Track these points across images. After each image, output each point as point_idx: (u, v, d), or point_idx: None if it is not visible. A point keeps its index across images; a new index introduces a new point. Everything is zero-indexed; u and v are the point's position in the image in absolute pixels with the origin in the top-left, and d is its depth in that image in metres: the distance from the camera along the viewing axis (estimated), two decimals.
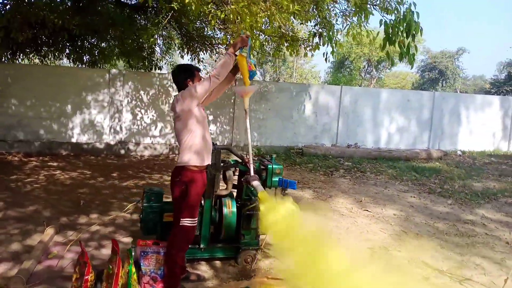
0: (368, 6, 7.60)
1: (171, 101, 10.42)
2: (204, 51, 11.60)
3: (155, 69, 12.25)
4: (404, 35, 6.91)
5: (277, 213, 3.34)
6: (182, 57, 12.12)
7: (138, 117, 10.36)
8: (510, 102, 13.52)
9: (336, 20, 8.44)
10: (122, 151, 10.29)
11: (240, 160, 4.25)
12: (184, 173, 3.45)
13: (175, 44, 12.56)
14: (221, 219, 4.21)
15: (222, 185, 4.27)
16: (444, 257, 4.64)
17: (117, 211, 5.76)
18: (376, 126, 12.25)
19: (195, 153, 3.47)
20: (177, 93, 3.62)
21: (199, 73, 3.66)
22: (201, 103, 3.55)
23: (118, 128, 10.25)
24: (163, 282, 3.62)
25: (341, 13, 8.17)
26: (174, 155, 10.61)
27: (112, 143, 10.23)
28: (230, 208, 4.19)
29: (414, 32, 6.77)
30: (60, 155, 9.78)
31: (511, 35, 65.17)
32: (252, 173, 3.93)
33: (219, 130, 10.96)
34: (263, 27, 7.40)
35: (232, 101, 10.94)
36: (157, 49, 12.57)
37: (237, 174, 4.43)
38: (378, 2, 7.56)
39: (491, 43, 61.15)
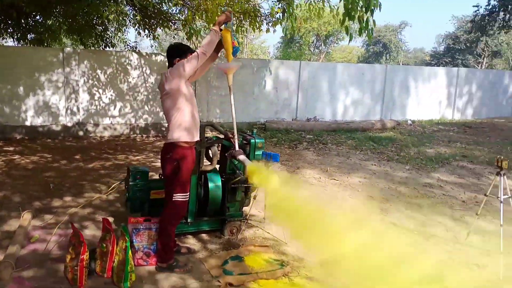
0: None
1: (129, 80, 10.21)
2: (162, 28, 11.31)
3: (109, 47, 11.81)
4: (363, 10, 7.21)
5: (270, 181, 3.51)
6: (139, 33, 11.74)
7: (96, 97, 10.03)
8: (454, 72, 14.45)
9: None
10: (81, 133, 9.97)
11: (223, 136, 4.36)
12: (175, 150, 3.51)
13: (129, 20, 12.11)
14: (206, 194, 4.32)
15: (205, 161, 4.37)
16: (409, 217, 5.07)
17: (91, 192, 5.69)
18: (333, 99, 12.69)
19: (184, 130, 3.53)
20: (159, 73, 3.63)
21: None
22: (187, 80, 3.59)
23: (75, 109, 9.87)
24: (157, 257, 3.71)
25: None
26: (135, 135, 10.43)
27: (69, 124, 9.87)
28: (215, 183, 4.31)
29: (373, 8, 7.07)
30: (14, 139, 9.31)
31: (450, 8, 68.55)
32: (237, 147, 4.06)
33: None
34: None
35: None
36: (110, 26, 12.06)
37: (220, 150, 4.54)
38: None
39: (431, 16, 64.01)
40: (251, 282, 3.52)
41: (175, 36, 12.55)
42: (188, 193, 3.69)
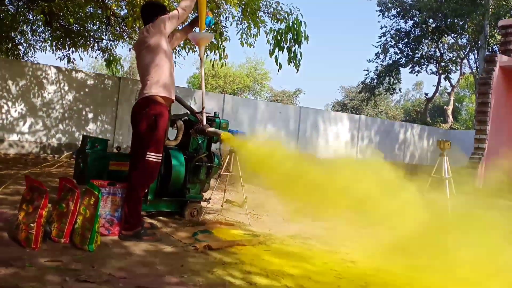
0: (261, 14, 8.41)
1: (44, 95, 9.42)
2: (82, 48, 10.84)
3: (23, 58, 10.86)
4: (292, 41, 7.86)
5: (247, 144, 3.51)
6: (53, 52, 11.04)
7: (3, 110, 8.97)
8: (355, 118, 16.03)
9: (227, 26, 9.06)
10: None
11: (188, 112, 4.25)
12: (152, 105, 3.34)
13: (43, 39, 11.40)
14: (168, 172, 4.08)
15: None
16: None
17: (15, 185, 4.96)
18: (253, 133, 13.07)
19: (163, 86, 3.40)
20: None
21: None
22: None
23: None
24: (121, 225, 3.35)
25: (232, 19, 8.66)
26: (45, 154, 9.43)
27: None
28: (179, 160, 4.11)
29: (301, 40, 7.76)
30: None
31: (339, 79, 77.30)
32: (204, 122, 4.00)
33: (100, 130, 10.21)
34: None
35: (115, 99, 10.37)
36: (23, 41, 11.19)
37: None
38: (269, 11, 8.42)
39: (323, 84, 71.26)
40: (229, 248, 3.34)
41: (95, 59, 12.09)
42: (161, 155, 3.46)
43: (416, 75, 26.51)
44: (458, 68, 24.07)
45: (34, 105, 9.36)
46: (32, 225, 2.82)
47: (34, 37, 11.09)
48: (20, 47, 11.08)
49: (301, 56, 7.84)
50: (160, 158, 3.44)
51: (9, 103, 9.06)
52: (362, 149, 15.88)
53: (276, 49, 7.59)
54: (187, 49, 9.07)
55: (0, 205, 3.95)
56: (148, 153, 3.33)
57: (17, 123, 9.17)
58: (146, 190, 3.93)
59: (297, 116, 14.15)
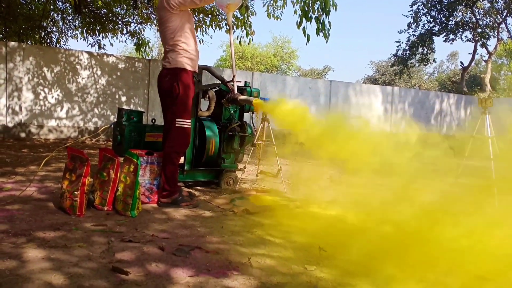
0: None
1: (79, 80, 9.66)
2: (107, 33, 11.03)
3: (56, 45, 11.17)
4: (320, 11, 7.63)
5: (280, 107, 3.47)
6: (84, 39, 11.29)
7: (41, 97, 9.28)
8: (388, 90, 15.61)
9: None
10: (23, 134, 9.08)
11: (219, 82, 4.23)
12: (180, 73, 3.33)
13: (74, 26, 11.65)
14: (202, 143, 4.11)
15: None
16: None
17: (57, 163, 5.15)
18: None
19: (189, 59, 3.39)
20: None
21: None
22: None
23: (17, 109, 9.02)
24: (159, 192, 3.41)
25: None
26: (83, 138, 9.73)
27: (10, 125, 8.96)
28: (213, 131, 4.12)
29: (329, 8, 7.52)
30: None
31: (369, 54, 75.14)
32: (236, 91, 3.98)
33: None
34: None
35: (146, 81, 10.52)
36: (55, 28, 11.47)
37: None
38: None
39: (352, 60, 69.60)
40: (267, 211, 3.34)
41: (125, 44, 12.27)
42: (190, 122, 3.48)
43: (451, 44, 25.41)
44: (496, 34, 22.88)
45: (69, 91, 9.63)
46: (76, 193, 2.91)
47: (65, 25, 11.35)
48: (52, 35, 11.37)
49: (330, 26, 7.60)
50: (189, 124, 3.45)
51: (46, 90, 9.36)
52: (396, 121, 15.50)
53: (304, 19, 7.40)
54: (213, 25, 9.04)
55: (44, 180, 4.11)
56: (177, 120, 3.35)
57: (54, 109, 9.47)
58: (183, 161, 4.00)
59: (328, 90, 13.93)
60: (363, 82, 49.37)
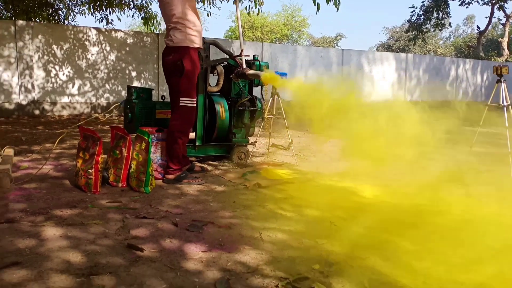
0: None
1: (88, 57, 9.65)
2: (118, 8, 10.90)
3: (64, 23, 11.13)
4: None
5: (290, 82, 3.43)
6: (92, 14, 11.19)
7: (52, 74, 9.33)
8: (402, 57, 15.27)
9: None
10: (37, 112, 9.20)
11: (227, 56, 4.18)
12: (184, 53, 3.30)
13: (81, 2, 11.53)
14: (212, 118, 4.11)
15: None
16: None
17: (71, 140, 5.23)
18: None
19: (193, 35, 3.34)
20: None
21: None
22: None
23: (29, 87, 9.10)
24: (167, 167, 3.44)
25: None
26: (96, 114, 9.82)
27: (23, 103, 9.06)
28: (222, 106, 4.11)
29: None
30: None
31: (383, 19, 73.16)
32: (244, 66, 3.93)
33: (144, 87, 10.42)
34: None
35: (155, 56, 10.47)
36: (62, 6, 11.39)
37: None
38: None
39: (365, 27, 67.93)
40: (279, 185, 3.36)
41: (133, 18, 12.14)
42: (195, 99, 3.47)
43: (467, 7, 24.42)
44: None
45: (80, 67, 9.64)
46: (90, 171, 2.97)
47: (72, 1, 11.23)
48: (60, 12, 11.28)
49: None
50: (194, 102, 3.44)
51: (57, 67, 9.38)
52: (410, 89, 15.23)
53: None
54: None
55: (59, 158, 4.18)
56: (181, 98, 3.34)
57: (66, 86, 9.53)
58: (194, 136, 4.02)
59: (340, 59, 13.69)
60: (376, 49, 48.36)
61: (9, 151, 4.03)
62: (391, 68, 14.81)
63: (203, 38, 3.80)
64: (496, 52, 27.38)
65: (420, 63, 15.61)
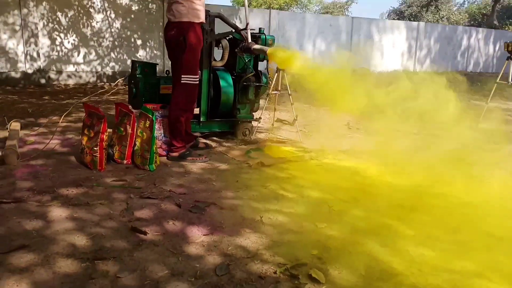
0: None
1: (93, 24, 9.52)
2: None
3: None
4: None
5: (294, 58, 3.39)
6: None
7: (57, 42, 9.25)
8: (413, 26, 14.88)
9: None
10: (43, 80, 9.20)
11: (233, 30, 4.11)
12: (186, 29, 3.24)
13: None
14: (217, 93, 4.10)
15: None
16: None
17: (77, 112, 5.25)
18: (302, 49, 12.62)
19: (195, 9, 3.27)
20: None
21: None
22: None
23: (35, 55, 9.05)
24: (170, 145, 3.46)
25: None
26: (102, 83, 9.80)
27: (29, 71, 9.05)
28: (227, 81, 4.08)
29: None
30: None
31: None
32: (249, 39, 3.87)
33: (149, 56, 10.33)
34: None
35: (160, 24, 10.31)
36: None
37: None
38: None
39: None
40: (281, 164, 3.39)
41: None
42: (198, 77, 3.44)
43: None
44: None
45: (85, 35, 9.53)
46: (95, 148, 3.00)
47: None
48: None
49: None
50: (197, 79, 3.41)
51: (62, 35, 9.28)
52: (420, 59, 14.93)
53: None
54: None
55: (65, 132, 4.22)
56: (182, 76, 3.31)
57: (71, 54, 9.46)
58: (198, 112, 4.02)
59: (349, 28, 13.39)
60: (388, 15, 46.99)
61: (16, 125, 4.08)
62: (401, 37, 14.47)
63: (208, 11, 3.73)
64: (510, 21, 26.54)
65: (432, 32, 15.22)
